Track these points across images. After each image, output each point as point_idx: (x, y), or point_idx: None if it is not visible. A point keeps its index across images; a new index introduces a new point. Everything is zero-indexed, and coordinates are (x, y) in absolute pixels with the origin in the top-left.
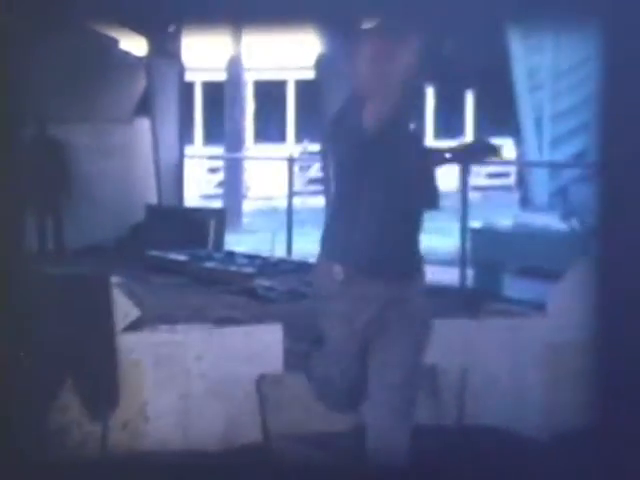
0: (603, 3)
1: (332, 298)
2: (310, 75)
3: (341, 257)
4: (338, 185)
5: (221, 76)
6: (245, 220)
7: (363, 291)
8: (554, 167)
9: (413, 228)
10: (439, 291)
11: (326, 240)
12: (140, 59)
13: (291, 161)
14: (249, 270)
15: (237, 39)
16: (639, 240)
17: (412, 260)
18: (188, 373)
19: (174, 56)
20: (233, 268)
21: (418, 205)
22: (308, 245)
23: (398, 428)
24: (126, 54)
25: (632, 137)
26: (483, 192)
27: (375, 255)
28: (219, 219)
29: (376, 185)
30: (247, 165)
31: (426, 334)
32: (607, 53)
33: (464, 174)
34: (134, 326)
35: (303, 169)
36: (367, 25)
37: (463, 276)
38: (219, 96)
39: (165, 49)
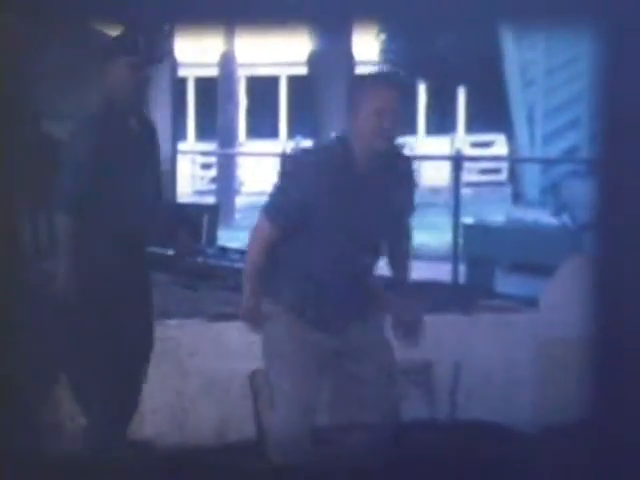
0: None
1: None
2: (303, 71)
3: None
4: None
5: (214, 72)
6: (238, 216)
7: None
8: (546, 163)
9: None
10: (431, 287)
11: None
12: None
13: (284, 157)
14: (242, 266)
15: (230, 35)
16: (635, 236)
17: (355, 307)
18: (182, 369)
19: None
20: (226, 264)
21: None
22: None
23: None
24: None
25: (630, 132)
26: (475, 188)
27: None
28: (212, 215)
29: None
30: (240, 161)
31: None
32: (604, 44)
33: (456, 170)
34: None
35: None
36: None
37: (455, 272)
38: (212, 92)
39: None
